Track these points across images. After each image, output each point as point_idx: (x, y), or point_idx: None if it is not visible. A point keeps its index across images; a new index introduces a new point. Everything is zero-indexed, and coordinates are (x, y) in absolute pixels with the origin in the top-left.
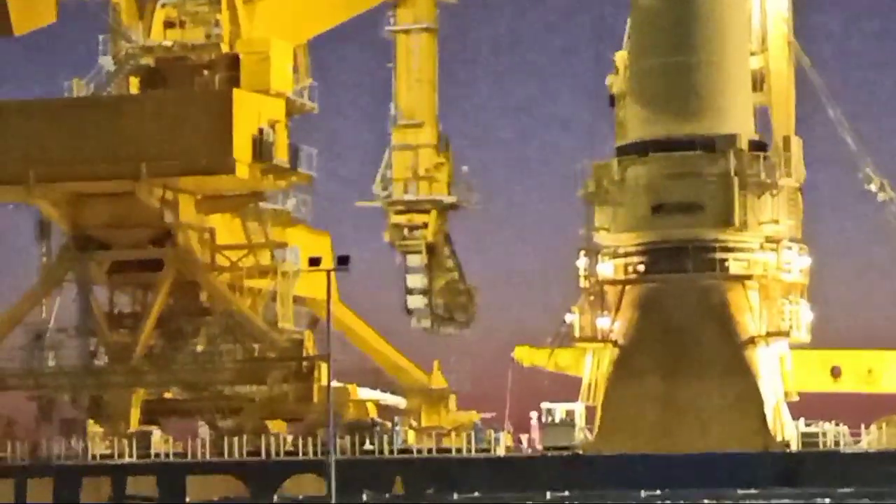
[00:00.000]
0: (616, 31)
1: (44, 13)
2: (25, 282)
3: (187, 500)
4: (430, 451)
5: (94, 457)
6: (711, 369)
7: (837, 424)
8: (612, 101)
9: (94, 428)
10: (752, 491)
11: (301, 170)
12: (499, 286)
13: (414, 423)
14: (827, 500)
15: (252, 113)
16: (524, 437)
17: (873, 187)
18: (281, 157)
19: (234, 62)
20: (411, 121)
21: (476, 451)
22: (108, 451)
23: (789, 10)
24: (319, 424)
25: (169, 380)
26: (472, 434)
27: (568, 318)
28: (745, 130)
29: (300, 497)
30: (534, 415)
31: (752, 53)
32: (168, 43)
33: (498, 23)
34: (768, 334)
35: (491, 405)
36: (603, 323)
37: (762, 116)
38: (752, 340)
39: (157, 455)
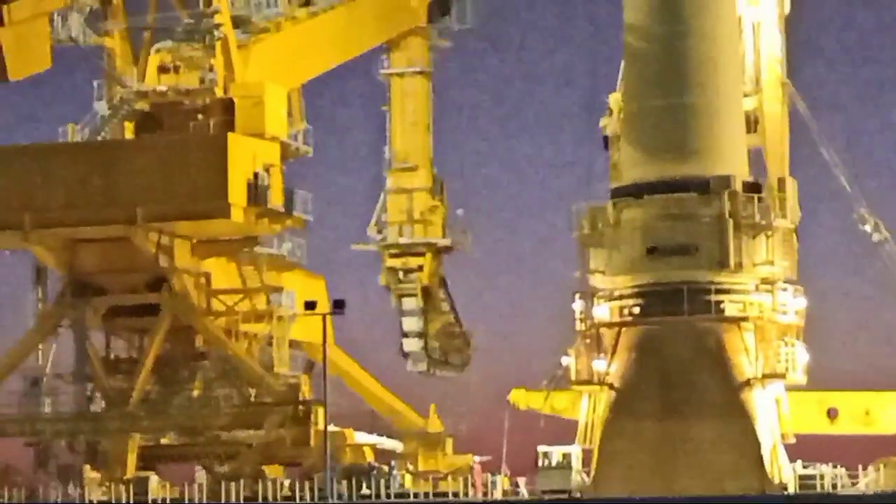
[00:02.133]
0: (610, 73)
1: (39, 59)
2: (21, 328)
3: None
4: (426, 494)
5: (90, 503)
6: (708, 411)
7: (835, 466)
8: (607, 143)
9: (90, 474)
10: None
11: (296, 214)
12: (494, 329)
13: (410, 467)
14: None
15: (247, 157)
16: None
17: (868, 228)
18: (276, 201)
19: (228, 106)
20: (406, 164)
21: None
22: (105, 498)
23: (782, 51)
24: (316, 469)
25: (165, 425)
26: (469, 478)
27: (564, 360)
28: (740, 172)
29: None
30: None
31: (746, 95)
32: (162, 87)
33: (492, 65)
34: (764, 376)
35: (487, 449)
36: (599, 366)
37: (756, 157)
38: (748, 382)
39: (154, 501)
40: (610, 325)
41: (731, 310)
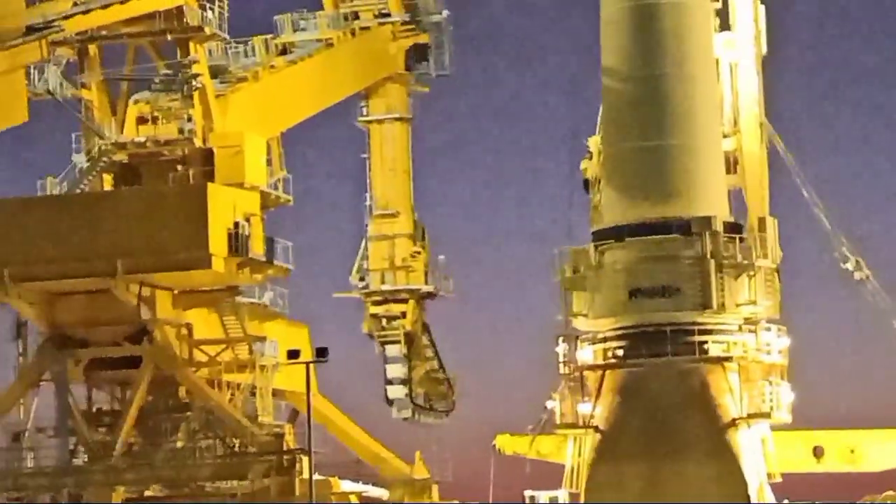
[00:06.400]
0: (590, 116)
1: (15, 112)
2: (2, 382)
3: None
4: None
5: None
6: (694, 452)
7: None
8: (587, 185)
9: None
10: None
11: (277, 262)
12: (478, 374)
13: None
14: None
15: (227, 207)
16: None
17: (850, 266)
18: (257, 250)
19: (207, 156)
20: (387, 210)
21: None
22: None
23: (760, 91)
24: None
25: (149, 477)
26: None
27: (549, 404)
28: (720, 212)
29: None
30: None
31: (725, 135)
32: (141, 138)
33: (470, 109)
34: (749, 416)
35: (474, 494)
36: (584, 409)
37: (737, 198)
38: (733, 422)
39: None
40: (594, 367)
41: (714, 350)
